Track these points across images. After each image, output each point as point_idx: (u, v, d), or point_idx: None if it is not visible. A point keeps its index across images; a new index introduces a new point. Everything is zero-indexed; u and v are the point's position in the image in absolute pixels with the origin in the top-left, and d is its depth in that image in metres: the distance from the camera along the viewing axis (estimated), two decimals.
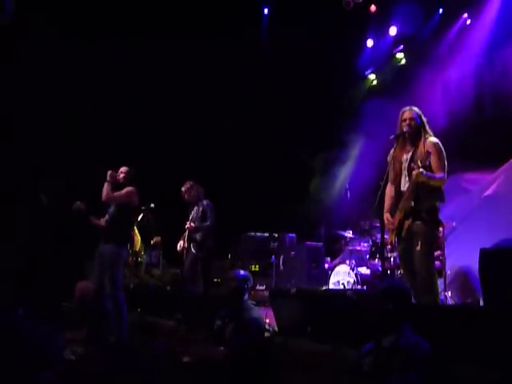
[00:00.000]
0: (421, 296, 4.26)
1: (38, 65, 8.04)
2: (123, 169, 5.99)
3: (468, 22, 8.87)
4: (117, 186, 5.81)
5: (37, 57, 7.97)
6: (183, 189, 7.32)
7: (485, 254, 3.49)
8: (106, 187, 5.72)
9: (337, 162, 9.67)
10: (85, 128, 8.79)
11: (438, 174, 4.46)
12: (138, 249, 8.12)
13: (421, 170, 4.33)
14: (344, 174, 9.53)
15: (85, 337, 5.78)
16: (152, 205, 8.03)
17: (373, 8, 9.24)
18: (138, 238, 8.07)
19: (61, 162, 8.40)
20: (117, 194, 5.75)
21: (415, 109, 4.72)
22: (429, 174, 4.38)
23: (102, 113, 8.87)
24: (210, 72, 9.47)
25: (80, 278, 6.67)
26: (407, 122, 4.65)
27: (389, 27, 9.38)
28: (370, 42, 9.84)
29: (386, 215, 4.69)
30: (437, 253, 6.52)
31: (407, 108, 4.74)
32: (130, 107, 9.03)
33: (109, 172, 5.83)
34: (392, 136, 4.75)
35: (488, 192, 7.75)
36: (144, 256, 8.31)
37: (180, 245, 7.34)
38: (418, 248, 4.39)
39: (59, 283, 6.99)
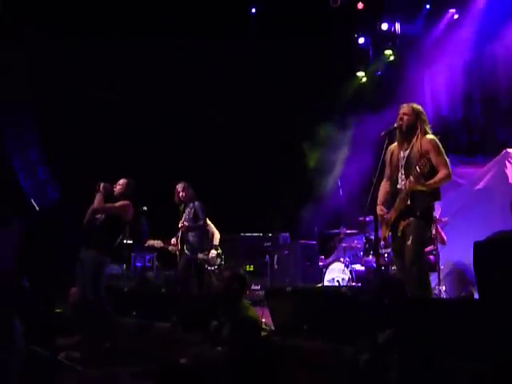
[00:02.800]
0: (413, 291, 4.26)
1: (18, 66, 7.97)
2: (121, 181, 5.92)
3: (455, 16, 8.93)
4: (112, 197, 5.76)
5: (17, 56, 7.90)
6: (179, 188, 7.32)
7: (478, 247, 3.48)
8: (97, 197, 5.66)
9: (330, 157, 9.68)
10: (73, 131, 8.72)
11: (441, 173, 4.40)
12: None
13: (416, 180, 4.30)
14: (337, 170, 9.54)
15: (79, 342, 5.75)
16: (144, 208, 8.00)
17: (360, 5, 9.26)
18: None
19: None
20: (109, 205, 5.70)
21: (414, 105, 4.66)
22: (426, 182, 4.35)
23: (90, 114, 8.81)
24: (200, 73, 9.45)
25: (74, 284, 6.62)
26: (405, 117, 4.60)
27: (377, 24, 9.41)
28: (361, 40, 9.87)
29: (380, 207, 4.68)
30: (430, 247, 6.55)
31: (405, 104, 4.70)
32: (119, 108, 8.98)
33: (101, 184, 5.76)
34: (383, 132, 4.75)
35: (479, 186, 7.79)
36: None
37: (173, 246, 7.34)
38: (409, 243, 4.40)
39: (52, 288, 6.94)
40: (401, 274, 4.58)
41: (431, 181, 4.38)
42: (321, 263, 7.76)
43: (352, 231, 7.70)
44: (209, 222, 7.59)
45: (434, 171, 4.42)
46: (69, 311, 6.26)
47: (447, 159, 4.49)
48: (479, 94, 8.49)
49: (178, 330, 5.27)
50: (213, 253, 7.39)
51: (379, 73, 9.94)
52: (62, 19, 8.46)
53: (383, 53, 9.78)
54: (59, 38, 8.31)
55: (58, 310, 6.57)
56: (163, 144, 9.37)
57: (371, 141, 4.95)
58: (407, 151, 4.60)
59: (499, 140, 7.61)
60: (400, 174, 4.61)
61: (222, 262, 7.45)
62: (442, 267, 6.71)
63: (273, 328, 4.91)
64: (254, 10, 10.17)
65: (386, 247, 5.79)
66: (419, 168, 4.31)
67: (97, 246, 5.60)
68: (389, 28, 9.38)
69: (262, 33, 9.57)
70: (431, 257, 6.59)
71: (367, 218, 6.81)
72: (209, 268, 7.36)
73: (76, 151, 8.59)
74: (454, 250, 6.94)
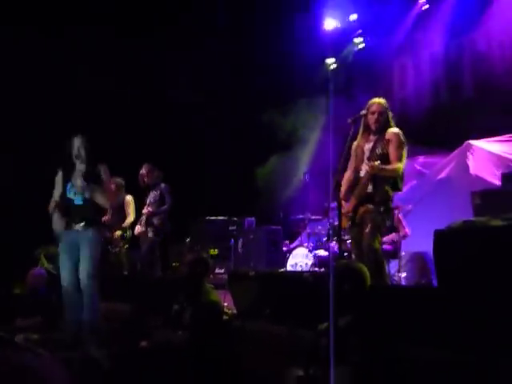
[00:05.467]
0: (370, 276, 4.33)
1: None
2: None
3: (425, 7, 8.99)
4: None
5: None
6: (144, 171, 7.23)
7: (438, 236, 3.54)
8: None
9: (296, 144, 9.70)
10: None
11: (393, 165, 4.51)
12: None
13: (376, 163, 4.38)
14: (303, 156, 9.57)
15: (39, 324, 5.65)
16: None
17: None
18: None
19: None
20: None
21: (383, 102, 4.75)
22: (383, 166, 4.43)
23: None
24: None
25: (33, 265, 6.49)
26: (376, 116, 4.67)
27: (347, 12, 9.39)
28: (329, 25, 9.80)
29: (342, 193, 4.74)
30: (391, 236, 6.67)
31: (377, 100, 4.76)
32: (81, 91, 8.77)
33: None
34: (349, 119, 4.78)
35: (442, 175, 7.96)
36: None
37: (137, 229, 7.26)
38: (367, 230, 4.49)
39: (11, 269, 6.80)
40: (359, 260, 4.65)
41: (384, 166, 4.47)
42: (285, 248, 7.80)
43: (316, 217, 7.75)
44: (130, 200, 7.41)
45: (389, 161, 4.52)
46: (27, 293, 6.14)
47: (404, 155, 4.57)
48: (445, 86, 8.62)
49: (139, 313, 5.22)
50: (117, 234, 7.27)
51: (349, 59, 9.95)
52: None
53: (352, 40, 9.79)
54: None
55: (17, 292, 6.45)
56: (128, 126, 9.20)
57: (338, 127, 4.96)
58: (372, 143, 4.67)
59: (462, 131, 7.74)
60: (364, 164, 4.67)
61: (126, 246, 7.32)
62: (402, 254, 6.85)
63: (235, 311, 4.92)
64: None
65: (348, 233, 5.85)
66: (378, 150, 4.43)
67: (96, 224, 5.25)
68: (358, 17, 9.38)
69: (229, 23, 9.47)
70: (392, 245, 6.72)
71: (331, 204, 6.86)
72: (111, 249, 7.25)
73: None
74: (416, 237, 7.08)
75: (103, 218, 5.69)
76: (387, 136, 4.58)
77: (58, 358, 4.61)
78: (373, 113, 4.68)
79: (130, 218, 7.33)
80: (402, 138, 4.61)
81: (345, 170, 4.81)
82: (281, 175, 9.57)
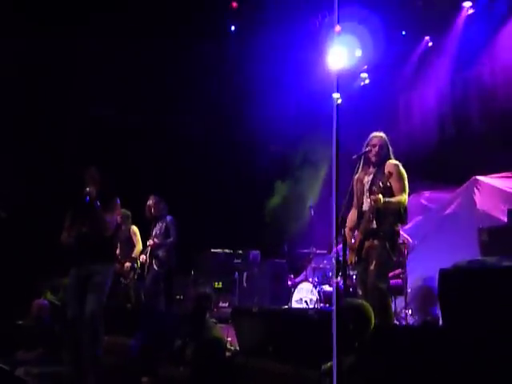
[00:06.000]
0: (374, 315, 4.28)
1: None
2: None
3: (430, 44, 9.11)
4: None
5: None
6: (151, 203, 7.25)
7: (443, 275, 3.52)
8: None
9: (303, 180, 9.74)
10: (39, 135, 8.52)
11: (398, 197, 4.52)
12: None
13: (379, 196, 4.39)
14: (310, 191, 9.59)
15: (41, 356, 5.60)
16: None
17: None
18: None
19: (16, 171, 8.08)
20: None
21: (384, 136, 4.80)
22: (387, 199, 4.43)
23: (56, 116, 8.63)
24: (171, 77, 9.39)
25: (37, 296, 6.47)
26: (376, 149, 4.71)
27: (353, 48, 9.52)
28: (335, 62, 9.94)
29: (347, 230, 4.72)
30: (398, 271, 6.61)
31: (377, 134, 4.81)
32: (80, 116, 8.85)
33: None
34: (354, 156, 4.82)
35: (448, 211, 7.92)
36: None
37: (142, 258, 7.26)
38: (372, 267, 4.45)
39: (14, 300, 6.77)
40: (364, 297, 4.60)
41: (388, 199, 4.45)
42: (290, 282, 7.74)
43: (321, 251, 7.71)
44: (136, 230, 7.46)
45: (392, 194, 4.51)
46: (30, 324, 6.11)
47: (406, 186, 4.58)
48: (451, 120, 8.67)
49: (141, 348, 5.17)
50: (127, 265, 7.26)
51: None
52: None
53: (359, 75, 9.90)
54: None
55: (20, 323, 6.41)
56: (132, 157, 9.26)
57: (347, 162, 5.01)
58: (371, 175, 4.69)
59: (469, 166, 7.75)
60: (365, 197, 4.68)
61: (136, 277, 7.30)
62: (409, 291, 6.77)
63: (238, 348, 4.86)
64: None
65: (353, 269, 5.83)
66: (378, 187, 4.40)
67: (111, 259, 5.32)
68: (365, 53, 9.50)
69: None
70: (399, 280, 6.64)
71: (337, 239, 6.83)
72: (123, 281, 7.23)
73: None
74: (422, 273, 7.01)
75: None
76: (387, 168, 4.59)
77: None
78: (373, 145, 4.73)
79: (138, 248, 7.35)
80: (401, 169, 4.64)
81: (350, 206, 4.82)
82: (288, 208, 9.58)
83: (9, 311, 6.59)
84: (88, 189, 4.96)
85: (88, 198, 4.94)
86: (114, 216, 5.17)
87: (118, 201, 5.27)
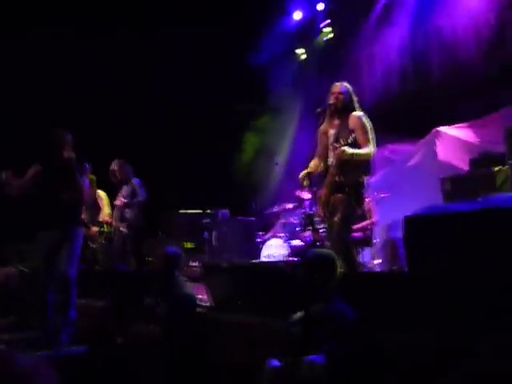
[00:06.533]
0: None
1: None
2: None
3: None
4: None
5: None
6: (115, 167, 7.18)
7: (407, 222, 3.60)
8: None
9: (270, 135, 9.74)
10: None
11: (364, 149, 4.54)
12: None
13: (343, 147, 4.41)
14: (277, 147, 9.62)
15: (13, 324, 5.58)
16: None
17: None
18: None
19: None
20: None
21: (345, 84, 4.79)
22: (352, 150, 4.45)
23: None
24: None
25: (3, 264, 6.40)
26: (334, 95, 4.72)
27: (316, 1, 9.42)
28: (297, 15, 9.83)
29: (303, 176, 4.82)
30: (365, 223, 6.74)
31: (338, 83, 4.80)
32: (54, 81, 8.61)
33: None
34: (318, 109, 4.83)
35: (411, 162, 8.07)
36: None
37: (110, 222, 7.23)
38: (336, 219, 4.53)
39: None
40: (332, 248, 4.69)
41: (354, 150, 4.47)
42: (259, 239, 7.82)
43: (291, 206, 7.77)
44: (102, 195, 7.43)
45: (359, 147, 4.54)
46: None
47: (372, 138, 4.61)
48: (412, 74, 8.71)
49: (112, 308, 5.19)
50: (94, 230, 7.26)
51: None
52: None
53: (322, 30, 9.83)
54: None
55: None
56: (99, 119, 9.08)
57: (312, 116, 5.03)
58: (336, 128, 4.70)
59: (431, 118, 7.85)
60: (329, 150, 4.70)
61: (103, 241, 7.32)
62: (375, 241, 6.93)
63: (209, 304, 4.92)
64: None
65: (322, 222, 5.92)
66: (343, 140, 4.44)
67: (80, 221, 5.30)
68: (326, 7, 9.42)
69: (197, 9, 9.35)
70: (366, 232, 6.78)
71: (302, 194, 6.92)
72: (91, 245, 7.25)
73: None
74: (388, 224, 7.18)
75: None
76: (350, 123, 4.60)
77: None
78: (333, 93, 4.73)
79: (105, 211, 7.31)
80: (365, 120, 4.64)
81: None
82: (257, 164, 9.60)
83: None
84: (69, 154, 5.04)
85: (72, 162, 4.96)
86: (85, 181, 5.18)
87: (88, 166, 5.26)
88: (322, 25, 9.75)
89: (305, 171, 4.88)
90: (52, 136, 5.16)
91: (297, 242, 7.22)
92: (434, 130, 7.81)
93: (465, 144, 7.46)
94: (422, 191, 7.02)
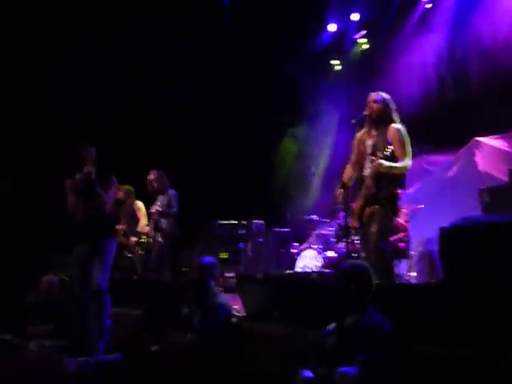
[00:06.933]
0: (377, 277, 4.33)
1: None
2: None
3: (429, 6, 8.98)
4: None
5: None
6: (152, 177, 7.29)
7: (443, 233, 3.55)
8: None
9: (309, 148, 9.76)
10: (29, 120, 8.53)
11: (401, 162, 4.50)
12: None
13: (381, 161, 4.38)
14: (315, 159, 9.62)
15: (52, 331, 5.72)
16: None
17: None
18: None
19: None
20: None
21: (382, 93, 4.72)
22: (389, 164, 4.41)
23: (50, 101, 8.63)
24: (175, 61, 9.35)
25: (45, 272, 6.56)
26: (369, 105, 4.69)
27: (350, 12, 9.41)
28: (332, 27, 9.84)
29: (339, 191, 4.76)
30: (401, 234, 6.65)
31: (374, 93, 4.75)
32: (89, 94, 8.83)
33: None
34: (353, 120, 4.81)
35: (449, 173, 7.94)
36: None
37: (147, 232, 7.34)
38: (373, 229, 4.48)
39: (23, 277, 6.87)
40: (367, 260, 4.64)
41: (391, 164, 4.43)
42: (294, 250, 7.81)
43: (325, 219, 7.75)
44: (140, 205, 7.55)
45: (396, 160, 4.50)
46: (41, 300, 6.21)
47: (409, 151, 4.55)
48: (451, 84, 8.59)
49: (149, 317, 5.27)
50: (133, 240, 7.37)
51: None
52: None
53: (356, 41, 9.82)
54: None
55: (31, 299, 6.51)
56: (137, 131, 9.28)
57: (347, 128, 5.02)
58: (374, 139, 4.66)
59: (469, 128, 7.72)
60: (366, 161, 4.66)
61: (141, 252, 7.42)
62: (412, 253, 6.83)
63: (244, 314, 4.94)
64: None
65: (356, 234, 5.87)
66: (381, 153, 4.40)
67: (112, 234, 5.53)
68: (363, 17, 9.39)
69: (234, 20, 9.47)
70: (402, 244, 6.70)
71: (338, 205, 6.87)
72: (129, 255, 7.37)
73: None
74: (425, 236, 7.07)
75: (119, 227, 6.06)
76: (389, 134, 4.55)
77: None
78: (371, 104, 4.67)
79: (143, 222, 7.45)
80: (404, 133, 4.57)
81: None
82: (293, 177, 9.62)
83: (18, 288, 6.69)
84: (89, 168, 5.20)
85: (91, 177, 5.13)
86: (110, 194, 5.35)
87: (115, 180, 5.44)
88: (357, 35, 9.72)
89: (341, 190, 4.80)
90: (76, 152, 5.36)
91: (331, 254, 7.20)
92: (473, 140, 7.68)
93: (505, 154, 7.31)
94: (460, 202, 6.91)
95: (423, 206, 6.93)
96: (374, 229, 4.48)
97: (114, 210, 5.43)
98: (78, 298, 5.26)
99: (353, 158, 4.81)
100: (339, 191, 4.77)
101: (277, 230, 8.47)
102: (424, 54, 8.85)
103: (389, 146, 4.43)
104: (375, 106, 4.66)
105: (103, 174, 5.36)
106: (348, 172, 4.84)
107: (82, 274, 5.23)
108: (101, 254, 5.23)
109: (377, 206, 4.52)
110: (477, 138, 7.64)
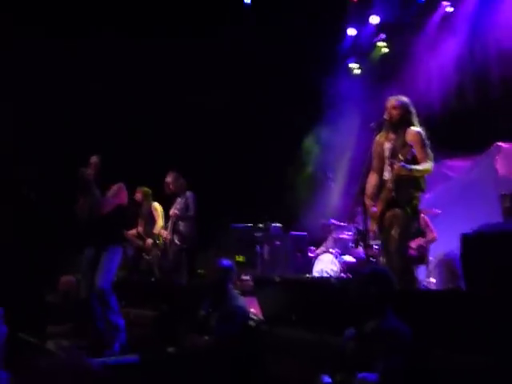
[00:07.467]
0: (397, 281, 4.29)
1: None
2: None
3: (450, 9, 8.90)
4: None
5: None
6: (169, 180, 7.31)
7: (465, 240, 3.51)
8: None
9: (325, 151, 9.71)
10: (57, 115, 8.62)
11: (423, 165, 4.46)
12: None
13: (402, 163, 4.34)
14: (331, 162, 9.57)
15: (70, 330, 5.77)
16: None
17: None
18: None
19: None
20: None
21: (401, 97, 4.70)
22: (411, 166, 4.38)
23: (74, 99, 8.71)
24: (191, 61, 9.39)
25: (64, 272, 6.62)
26: (388, 109, 4.67)
27: (369, 16, 9.36)
28: (351, 31, 9.81)
29: (368, 200, 4.71)
30: (419, 240, 6.59)
31: (393, 97, 4.74)
32: (108, 95, 8.89)
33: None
34: (372, 124, 4.78)
35: (470, 177, 7.84)
36: None
37: (164, 235, 7.36)
38: (393, 232, 4.44)
39: (42, 277, 6.94)
40: (388, 265, 4.61)
41: (414, 166, 4.39)
42: (311, 254, 7.77)
43: (342, 223, 7.71)
44: (157, 207, 7.59)
45: (417, 162, 4.46)
46: (59, 300, 6.26)
47: (430, 153, 4.52)
48: (471, 88, 8.50)
49: (166, 319, 5.28)
50: (149, 242, 7.40)
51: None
52: None
53: (376, 45, 9.76)
54: None
55: (49, 299, 6.58)
56: (153, 133, 9.32)
57: (365, 132, 4.99)
58: (392, 142, 4.63)
59: (489, 133, 7.62)
60: (386, 165, 4.64)
61: (158, 253, 7.45)
62: (431, 259, 6.76)
63: (261, 317, 4.92)
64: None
65: (374, 239, 5.83)
66: (402, 155, 4.36)
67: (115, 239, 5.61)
68: (382, 20, 9.33)
69: (255, 21, 9.49)
70: (420, 249, 6.63)
71: (357, 209, 6.83)
72: (146, 257, 7.41)
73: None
74: (444, 242, 6.97)
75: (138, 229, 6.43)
76: (408, 137, 4.52)
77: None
78: (390, 110, 4.65)
79: (159, 224, 7.49)
80: (423, 136, 4.55)
81: (369, 173, 4.79)
82: (310, 180, 9.58)
83: (37, 288, 6.76)
84: (84, 171, 5.32)
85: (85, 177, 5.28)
86: (108, 198, 5.41)
87: (122, 186, 5.51)
88: (376, 39, 9.67)
89: (369, 200, 4.74)
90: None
91: (349, 258, 7.15)
92: (494, 145, 7.59)
93: None
94: (480, 208, 6.82)
95: (440, 211, 6.85)
96: (394, 232, 4.45)
97: (117, 215, 5.48)
98: (84, 301, 5.39)
99: (374, 163, 4.78)
100: (368, 201, 4.71)
101: (294, 233, 8.43)
102: (444, 57, 8.76)
103: (410, 149, 4.39)
104: (394, 112, 4.64)
105: (111, 179, 5.47)
106: (373, 180, 4.78)
107: (86, 277, 5.37)
108: (105, 259, 5.32)
109: (397, 210, 4.49)
110: (498, 143, 7.54)
